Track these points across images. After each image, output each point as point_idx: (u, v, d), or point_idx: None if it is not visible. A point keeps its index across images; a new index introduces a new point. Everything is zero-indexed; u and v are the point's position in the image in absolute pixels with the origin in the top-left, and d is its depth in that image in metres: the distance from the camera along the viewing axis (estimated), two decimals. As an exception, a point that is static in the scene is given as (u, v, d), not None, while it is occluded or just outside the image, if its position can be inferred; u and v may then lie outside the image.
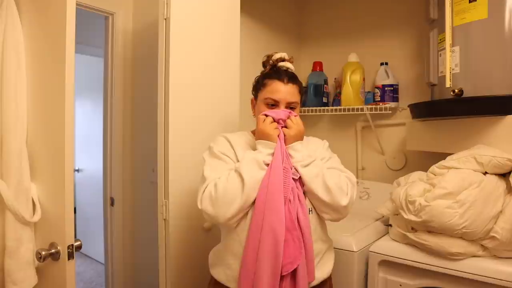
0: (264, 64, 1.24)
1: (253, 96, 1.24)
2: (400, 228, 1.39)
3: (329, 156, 1.22)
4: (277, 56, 1.21)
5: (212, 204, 1.03)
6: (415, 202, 1.27)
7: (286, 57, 1.22)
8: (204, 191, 1.06)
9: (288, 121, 1.11)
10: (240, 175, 1.03)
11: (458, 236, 1.23)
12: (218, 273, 1.13)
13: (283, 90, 1.14)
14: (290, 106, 1.15)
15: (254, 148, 1.13)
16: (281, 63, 1.21)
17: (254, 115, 1.22)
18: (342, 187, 1.09)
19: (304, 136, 1.25)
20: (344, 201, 1.08)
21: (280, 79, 1.15)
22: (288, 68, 1.21)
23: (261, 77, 1.21)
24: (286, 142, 1.10)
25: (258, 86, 1.20)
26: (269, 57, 1.23)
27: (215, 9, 1.54)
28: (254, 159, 1.06)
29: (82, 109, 3.47)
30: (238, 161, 1.11)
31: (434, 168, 1.37)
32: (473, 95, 1.40)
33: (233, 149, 1.15)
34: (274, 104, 1.14)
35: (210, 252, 1.21)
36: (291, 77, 1.17)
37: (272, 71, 1.19)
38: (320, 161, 1.14)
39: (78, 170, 3.58)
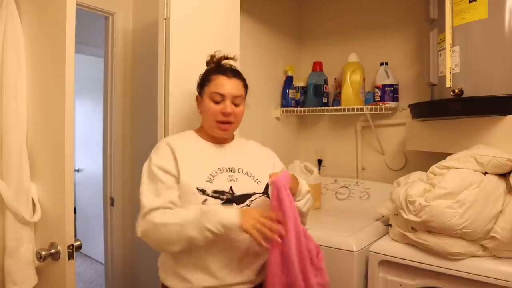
0: (208, 63, 1.24)
1: (197, 94, 1.22)
2: (400, 228, 1.39)
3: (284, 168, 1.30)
4: (220, 54, 1.23)
5: (153, 242, 1.04)
6: (415, 202, 1.27)
7: (230, 56, 1.24)
8: (143, 222, 1.03)
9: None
10: (181, 230, 0.98)
11: (458, 236, 1.23)
12: (175, 285, 1.10)
13: (227, 84, 1.15)
14: (234, 102, 1.15)
15: (198, 149, 1.16)
16: (225, 61, 1.22)
17: (199, 112, 1.21)
18: None
19: (249, 140, 1.31)
20: None
21: (224, 74, 1.16)
22: (231, 65, 1.22)
23: (205, 74, 1.20)
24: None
25: (204, 82, 1.19)
26: (212, 56, 1.23)
27: (215, 8, 1.54)
28: (200, 224, 0.97)
29: (82, 109, 3.47)
30: (178, 171, 1.08)
31: (434, 168, 1.37)
32: (473, 95, 1.40)
33: (175, 158, 1.10)
34: (218, 101, 1.14)
35: (161, 261, 1.17)
36: (236, 73, 1.18)
37: (216, 67, 1.20)
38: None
39: (78, 170, 3.58)
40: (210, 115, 1.15)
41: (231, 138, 1.26)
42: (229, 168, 1.15)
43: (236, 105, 1.16)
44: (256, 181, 1.17)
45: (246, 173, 1.17)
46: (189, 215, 1.00)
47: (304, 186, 1.18)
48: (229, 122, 1.15)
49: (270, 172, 1.13)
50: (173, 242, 1.00)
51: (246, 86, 1.22)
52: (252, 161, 1.22)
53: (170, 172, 1.09)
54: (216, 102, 1.14)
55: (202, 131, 1.22)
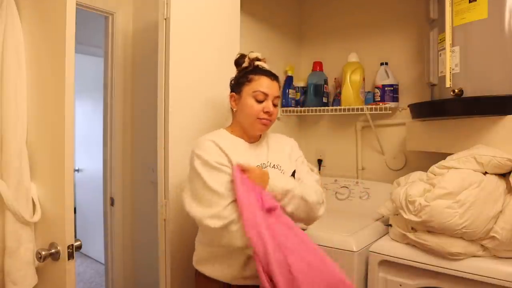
0: (239, 62, 1.27)
1: (232, 92, 1.25)
2: (400, 228, 1.39)
3: (301, 156, 1.32)
4: (253, 55, 1.26)
5: (230, 240, 1.07)
6: (415, 202, 1.27)
7: (261, 57, 1.28)
8: (225, 217, 1.05)
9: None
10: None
11: (458, 236, 1.23)
12: (213, 271, 1.18)
13: (271, 85, 1.20)
14: (274, 103, 1.21)
15: (237, 148, 1.18)
16: (258, 62, 1.26)
17: (235, 109, 1.24)
18: (319, 201, 1.19)
19: (272, 134, 1.34)
20: (321, 212, 1.20)
21: (266, 75, 1.21)
22: (264, 67, 1.26)
23: (243, 73, 1.23)
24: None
25: (242, 81, 1.22)
26: (244, 56, 1.27)
27: (215, 8, 1.54)
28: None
29: (82, 109, 3.47)
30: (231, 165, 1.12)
31: (434, 168, 1.37)
32: (473, 95, 1.40)
33: (225, 154, 1.13)
34: (261, 100, 1.18)
35: (198, 248, 1.24)
36: (275, 76, 1.24)
37: (255, 68, 1.24)
38: (293, 181, 1.19)
39: (78, 170, 3.58)
40: (253, 113, 1.18)
41: (259, 135, 1.29)
42: (262, 164, 1.20)
43: (274, 105, 1.21)
44: (282, 172, 1.21)
45: (274, 165, 1.21)
46: None
47: (277, 185, 1.12)
48: (269, 120, 1.20)
49: (293, 161, 1.25)
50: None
51: (280, 89, 1.28)
52: (278, 153, 1.26)
53: (227, 166, 1.12)
54: (259, 101, 1.18)
55: (235, 130, 1.25)
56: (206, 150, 1.13)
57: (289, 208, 1.12)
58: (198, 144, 1.16)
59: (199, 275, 1.23)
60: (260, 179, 1.09)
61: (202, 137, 1.19)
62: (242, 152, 1.20)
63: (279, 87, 1.24)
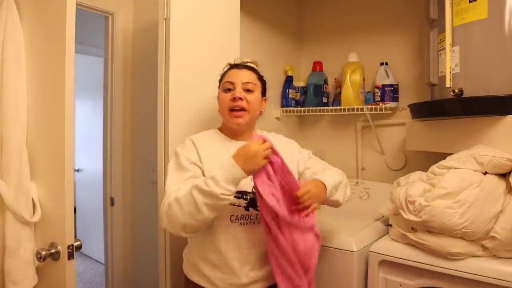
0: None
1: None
2: (400, 228, 1.39)
3: (309, 152, 1.33)
4: (239, 61, 1.27)
5: (168, 224, 1.05)
6: (415, 202, 1.27)
7: (247, 60, 1.27)
8: (161, 207, 1.06)
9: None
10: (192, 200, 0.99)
11: (458, 236, 1.23)
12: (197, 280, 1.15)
13: (237, 73, 1.19)
14: (247, 88, 1.16)
15: (221, 149, 1.17)
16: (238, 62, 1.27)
17: (218, 111, 1.24)
18: (347, 182, 1.30)
19: (267, 132, 1.32)
20: (349, 191, 1.31)
21: (235, 67, 1.22)
22: (246, 62, 1.26)
23: (221, 76, 1.26)
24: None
25: (219, 83, 1.25)
26: (230, 64, 1.28)
27: (215, 8, 1.54)
28: (209, 192, 0.97)
29: (82, 109, 3.47)
30: (202, 166, 1.12)
31: (434, 168, 1.37)
32: (473, 95, 1.40)
33: (198, 153, 1.14)
34: (230, 89, 1.17)
35: (185, 255, 1.22)
36: (247, 66, 1.22)
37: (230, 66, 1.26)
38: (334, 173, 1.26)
39: (78, 170, 3.58)
40: (223, 105, 1.18)
41: (253, 134, 1.26)
42: None
43: (248, 91, 1.16)
44: None
45: None
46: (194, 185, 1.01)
47: (330, 182, 1.17)
48: (241, 109, 1.15)
49: (295, 163, 1.24)
50: (185, 217, 0.99)
51: (261, 79, 1.24)
52: None
53: (197, 164, 1.12)
54: (228, 91, 1.17)
55: (223, 129, 1.26)
56: (184, 148, 1.15)
57: (341, 198, 1.22)
58: (182, 143, 1.19)
59: (187, 281, 1.19)
60: (317, 189, 1.12)
61: (189, 136, 1.22)
62: (226, 153, 1.15)
63: (256, 77, 1.21)
